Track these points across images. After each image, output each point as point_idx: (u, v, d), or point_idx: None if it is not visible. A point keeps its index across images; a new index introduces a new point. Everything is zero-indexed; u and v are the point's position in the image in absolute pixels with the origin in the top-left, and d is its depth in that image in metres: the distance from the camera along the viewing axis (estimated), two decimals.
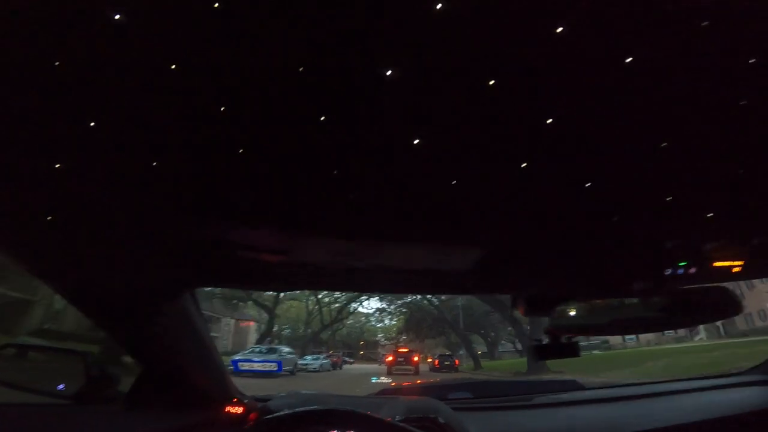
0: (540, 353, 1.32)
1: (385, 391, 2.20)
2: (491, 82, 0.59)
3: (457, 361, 19.90)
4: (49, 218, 0.76)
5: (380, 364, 26.17)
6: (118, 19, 0.48)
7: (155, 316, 1.04)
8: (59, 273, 0.89)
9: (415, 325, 25.61)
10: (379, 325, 37.99)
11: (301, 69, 0.57)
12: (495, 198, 0.81)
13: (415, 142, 0.68)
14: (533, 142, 0.68)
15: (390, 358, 19.52)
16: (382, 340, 39.51)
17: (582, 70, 0.57)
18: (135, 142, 0.67)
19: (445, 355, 21.50)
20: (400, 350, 21.20)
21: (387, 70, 0.56)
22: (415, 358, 19.30)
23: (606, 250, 0.92)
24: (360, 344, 39.58)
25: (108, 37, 0.51)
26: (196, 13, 0.49)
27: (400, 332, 29.32)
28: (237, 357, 13.31)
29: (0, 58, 0.52)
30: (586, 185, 0.76)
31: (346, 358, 28.05)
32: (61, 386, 1.21)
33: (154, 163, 0.71)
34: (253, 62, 0.55)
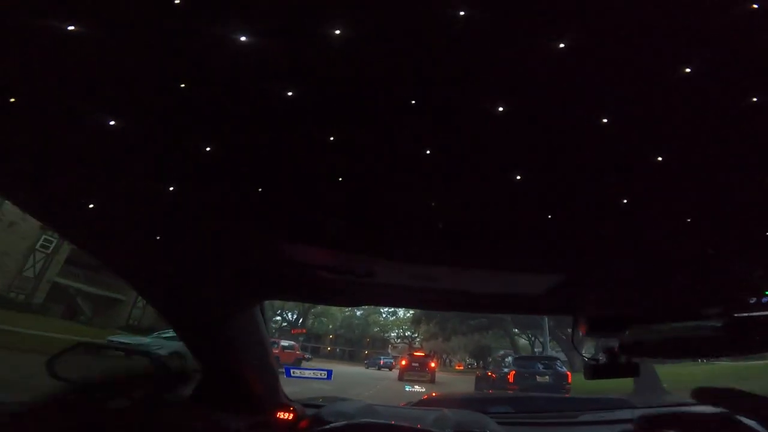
0: (596, 372, 1.30)
1: (425, 402, 2.20)
2: (603, 120, 0.59)
3: (570, 375, 9.01)
4: (150, 233, 0.80)
5: (367, 367, 20.53)
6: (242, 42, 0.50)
7: (227, 324, 1.08)
8: (150, 282, 0.93)
9: (438, 315, 17.21)
10: (392, 318, 30.44)
11: (412, 102, 0.59)
12: (576, 226, 0.81)
13: (517, 177, 0.69)
14: (632, 178, 0.68)
15: (403, 363, 16.94)
16: (394, 338, 31.96)
17: (698, 113, 0.57)
18: (228, 167, 0.70)
19: (539, 361, 10.19)
20: (414, 354, 18.18)
21: (494, 106, 0.58)
22: (432, 364, 16.61)
23: (688, 274, 0.91)
24: (365, 342, 31.25)
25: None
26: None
27: (417, 322, 20.59)
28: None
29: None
30: (680, 220, 0.75)
31: (306, 354, 19.40)
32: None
33: (244, 187, 0.75)
34: (358, 92, 0.57)
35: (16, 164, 0.70)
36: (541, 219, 0.78)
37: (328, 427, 1.26)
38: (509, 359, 11.10)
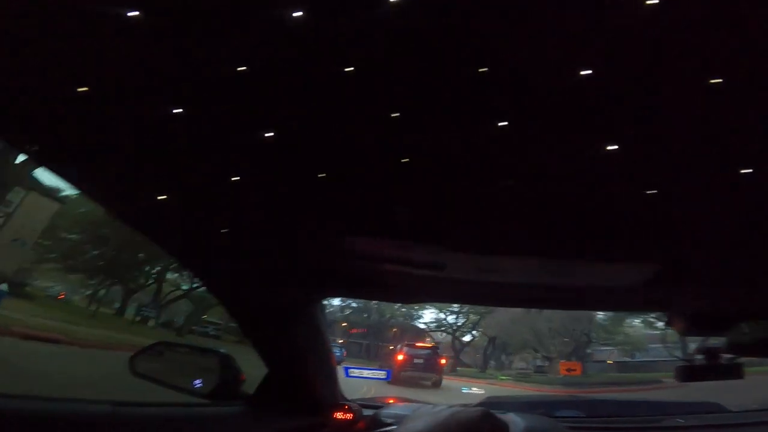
0: (691, 374, 1.16)
1: (485, 404, 2.10)
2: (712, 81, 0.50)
3: None
4: (221, 231, 0.79)
5: None
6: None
7: (292, 323, 1.06)
8: (221, 281, 0.93)
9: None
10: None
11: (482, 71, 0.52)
12: (680, 204, 0.70)
13: (610, 148, 0.60)
14: (751, 147, 0.57)
15: (399, 357, 12.59)
16: (432, 326, 21.48)
17: None
18: (287, 156, 0.66)
19: None
20: (416, 345, 13.76)
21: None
22: (442, 361, 13.12)
23: None
24: (389, 332, 21.62)
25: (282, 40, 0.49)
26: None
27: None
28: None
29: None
30: None
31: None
32: (197, 383, 1.28)
33: (305, 177, 0.70)
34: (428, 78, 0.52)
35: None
36: (638, 198, 0.68)
37: (386, 429, 1.21)
38: None
